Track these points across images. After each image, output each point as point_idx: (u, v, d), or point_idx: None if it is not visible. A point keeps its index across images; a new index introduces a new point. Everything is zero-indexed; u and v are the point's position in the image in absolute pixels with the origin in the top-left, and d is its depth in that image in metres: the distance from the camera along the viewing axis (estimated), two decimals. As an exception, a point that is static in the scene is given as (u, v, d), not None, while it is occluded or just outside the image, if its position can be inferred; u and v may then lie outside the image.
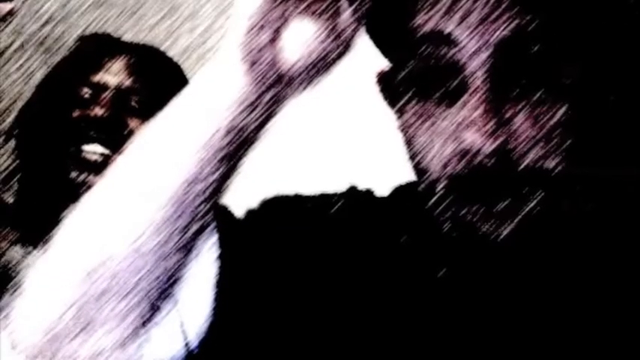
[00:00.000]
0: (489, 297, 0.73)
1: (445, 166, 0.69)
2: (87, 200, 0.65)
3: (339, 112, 2.00)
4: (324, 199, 0.86)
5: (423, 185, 0.73)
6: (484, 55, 0.66)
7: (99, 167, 1.42)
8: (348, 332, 0.74)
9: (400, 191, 0.86)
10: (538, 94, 0.67)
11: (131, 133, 1.44)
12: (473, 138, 0.66)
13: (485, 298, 0.73)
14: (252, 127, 0.61)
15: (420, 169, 0.73)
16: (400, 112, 0.75)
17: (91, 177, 1.43)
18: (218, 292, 0.80)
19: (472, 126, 0.66)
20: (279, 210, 0.86)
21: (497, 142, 0.65)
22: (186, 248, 0.64)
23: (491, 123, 0.65)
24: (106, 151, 1.45)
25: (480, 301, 0.73)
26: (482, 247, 0.71)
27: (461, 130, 0.67)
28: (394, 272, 0.77)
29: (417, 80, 0.71)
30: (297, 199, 0.87)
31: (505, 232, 0.68)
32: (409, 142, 0.74)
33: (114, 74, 1.52)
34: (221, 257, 0.81)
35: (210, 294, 0.79)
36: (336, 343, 0.74)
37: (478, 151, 0.66)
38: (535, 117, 0.67)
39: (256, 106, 0.60)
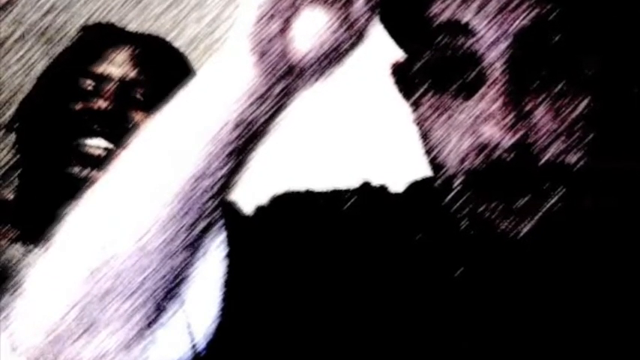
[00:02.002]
0: (508, 297, 0.73)
1: (462, 160, 0.69)
2: (90, 196, 0.65)
3: (352, 105, 2.00)
4: (337, 196, 0.86)
5: (439, 181, 0.73)
6: (503, 46, 0.66)
7: (102, 162, 1.42)
8: (361, 332, 0.75)
9: (415, 187, 0.86)
10: (559, 86, 0.67)
11: (135, 126, 1.44)
12: (491, 132, 0.65)
13: (504, 298, 0.73)
14: (262, 120, 0.62)
15: (436, 164, 0.73)
16: (416, 105, 0.75)
17: (93, 172, 1.43)
18: (226, 291, 0.80)
19: (491, 119, 0.66)
20: (290, 207, 0.86)
21: (517, 135, 0.65)
22: (193, 246, 0.64)
23: (511, 116, 0.65)
24: (110, 146, 1.45)
25: (499, 301, 0.73)
26: (501, 246, 0.71)
27: (479, 124, 0.67)
28: (409, 272, 0.77)
29: (433, 72, 0.71)
30: (309, 196, 0.87)
31: (525, 230, 0.68)
32: (425, 136, 0.74)
33: (118, 66, 1.52)
34: (230, 256, 0.82)
35: (219, 294, 0.79)
36: (348, 343, 0.75)
37: (497, 146, 0.66)
38: (556, 110, 0.67)
39: (266, 99, 0.60)
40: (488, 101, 0.66)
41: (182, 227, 0.61)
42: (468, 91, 0.68)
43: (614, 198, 0.75)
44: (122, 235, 0.61)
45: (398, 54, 0.78)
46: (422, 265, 0.77)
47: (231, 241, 0.81)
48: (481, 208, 0.69)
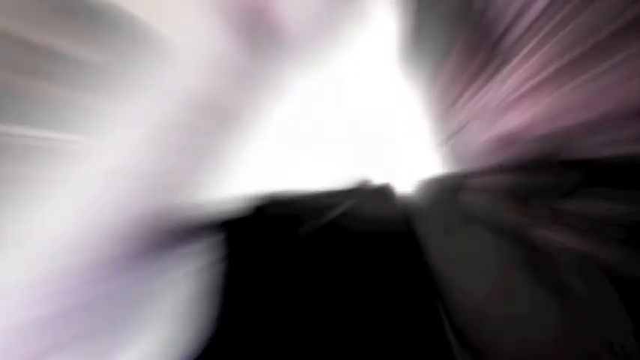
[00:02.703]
0: (534, 310, 0.69)
1: (482, 154, 0.64)
2: (40, 197, 0.62)
3: (351, 91, 2.04)
4: (334, 196, 0.82)
5: (454, 179, 0.68)
6: (530, 18, 0.60)
7: (49, 154, 1.41)
8: (358, 337, 0.73)
9: (424, 186, 0.82)
10: (600, 67, 0.61)
11: (88, 112, 1.43)
12: (517, 121, 0.60)
13: (530, 312, 0.69)
14: (236, 101, 0.58)
15: (450, 159, 0.68)
16: (426, 89, 0.70)
17: (41, 166, 1.41)
18: (217, 296, 0.79)
19: (516, 105, 0.60)
20: (285, 208, 0.82)
21: (547, 125, 0.60)
22: (161, 253, 0.61)
23: (541, 102, 0.60)
24: (59, 135, 1.43)
25: (523, 315, 0.69)
26: (524, 253, 0.66)
27: (502, 111, 0.62)
28: (418, 280, 0.73)
29: (448, 49, 0.66)
30: (305, 197, 0.83)
31: (554, 236, 0.63)
32: (438, 126, 0.69)
33: (68, 41, 1.51)
34: (221, 261, 0.80)
35: (208, 300, 0.78)
36: (343, 347, 0.73)
37: (523, 137, 0.60)
38: (595, 94, 0.61)
39: (244, 75, 0.57)
40: (513, 84, 0.61)
41: (145, 233, 0.59)
42: (490, 71, 0.63)
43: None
44: (78, 242, 0.58)
45: (404, 28, 0.73)
46: (431, 274, 0.74)
47: (222, 245, 0.80)
48: (503, 210, 0.65)
